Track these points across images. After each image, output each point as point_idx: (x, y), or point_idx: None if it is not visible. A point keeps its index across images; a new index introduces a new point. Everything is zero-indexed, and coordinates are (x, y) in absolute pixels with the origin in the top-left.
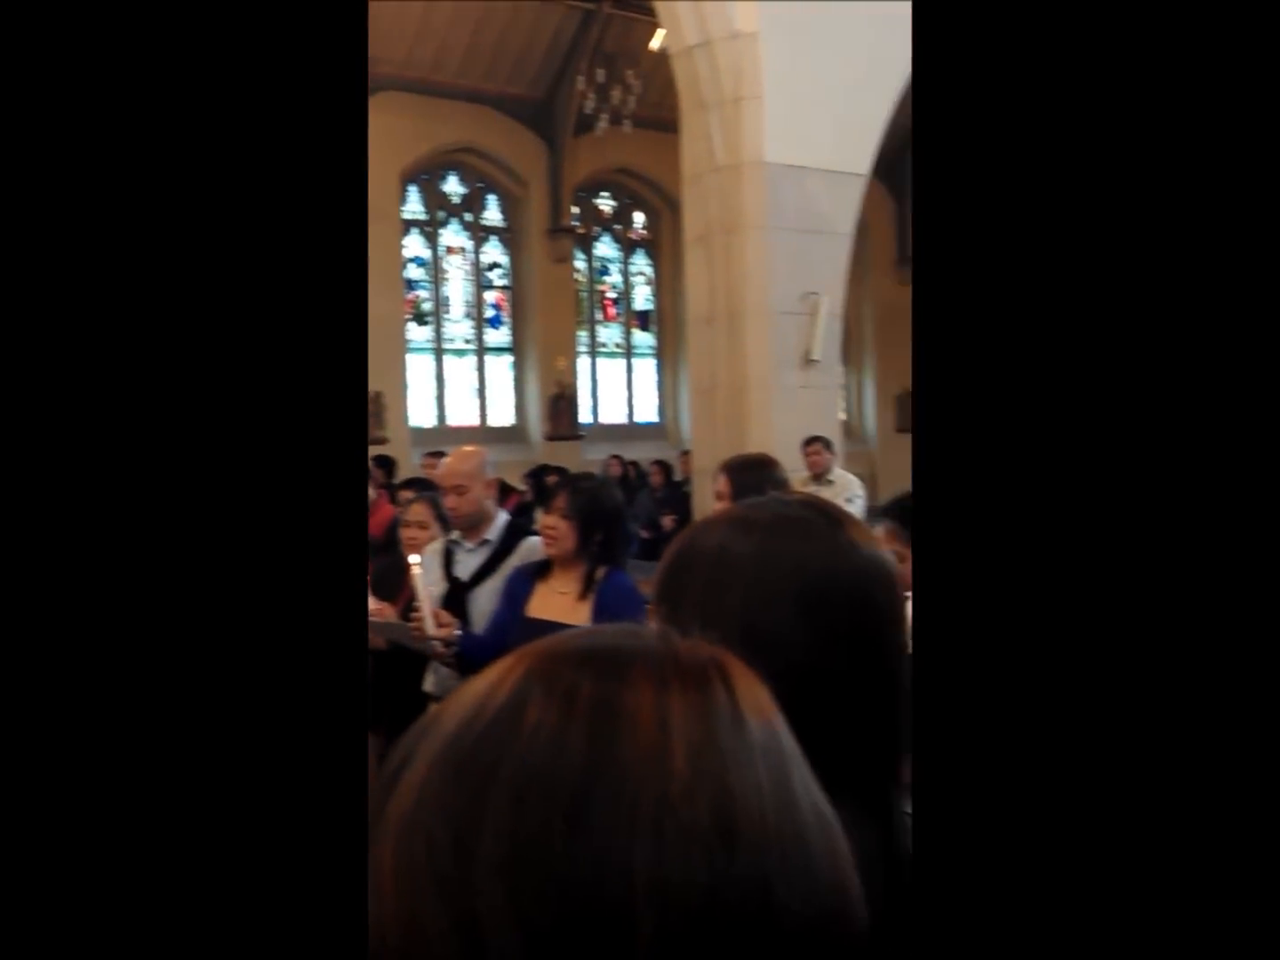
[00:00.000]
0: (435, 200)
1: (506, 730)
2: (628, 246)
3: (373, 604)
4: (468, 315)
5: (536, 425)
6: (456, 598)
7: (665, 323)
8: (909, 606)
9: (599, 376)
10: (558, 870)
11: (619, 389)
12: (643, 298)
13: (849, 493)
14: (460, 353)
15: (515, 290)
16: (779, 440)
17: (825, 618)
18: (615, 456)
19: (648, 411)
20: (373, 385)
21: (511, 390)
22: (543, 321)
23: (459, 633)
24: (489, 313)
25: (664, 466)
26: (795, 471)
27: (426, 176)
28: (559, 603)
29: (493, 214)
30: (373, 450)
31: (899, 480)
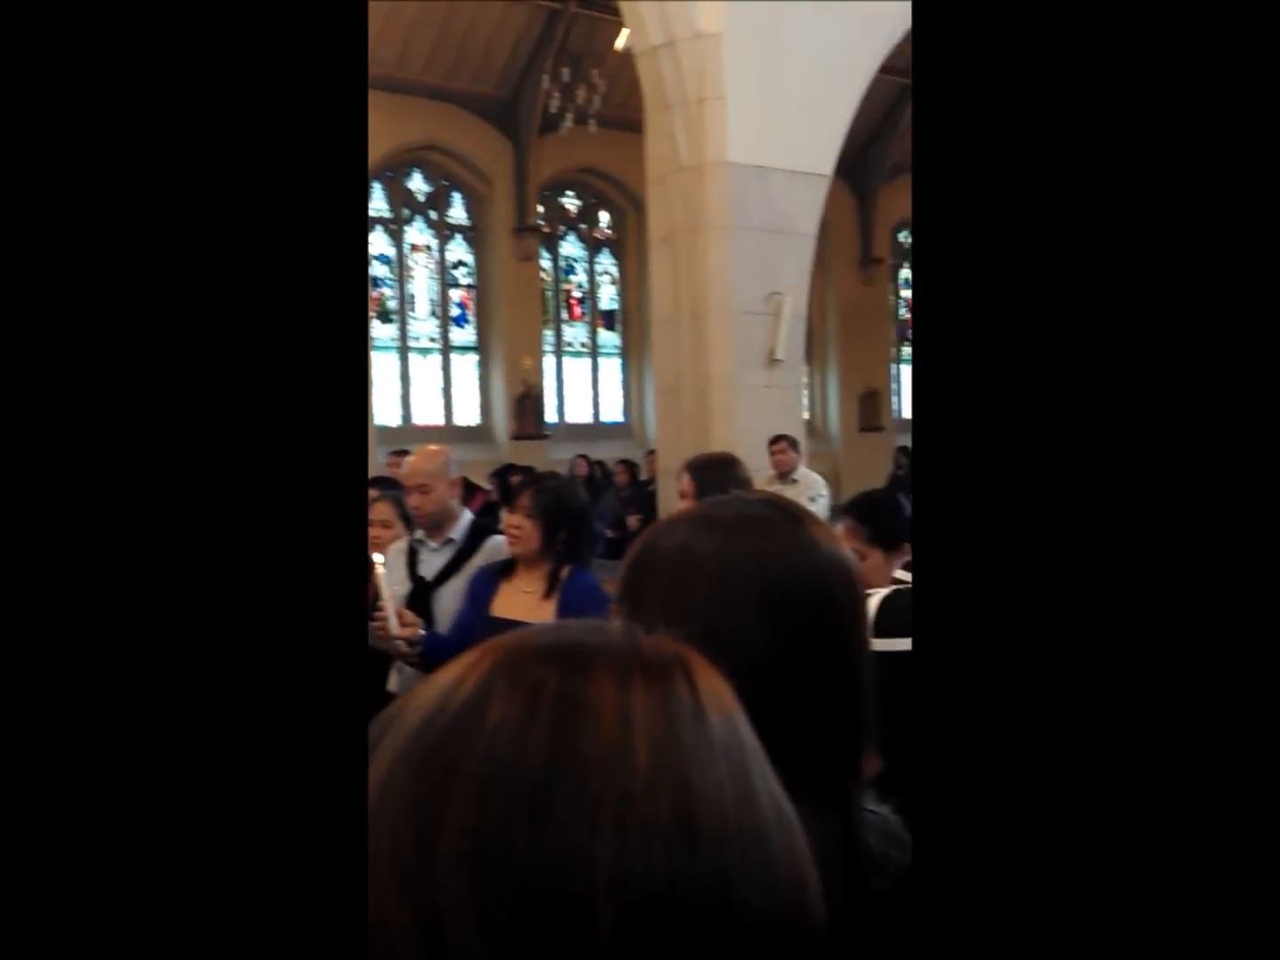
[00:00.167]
0: (400, 198)
1: (470, 724)
2: (593, 246)
3: None
4: (433, 313)
5: (502, 424)
6: (421, 597)
7: (630, 322)
8: (871, 603)
9: (564, 376)
10: (519, 865)
11: (584, 388)
12: (608, 297)
13: (813, 491)
14: (425, 351)
15: (480, 289)
16: (743, 439)
17: (787, 615)
18: (582, 456)
19: (613, 411)
20: None
21: (477, 389)
22: (508, 320)
23: (423, 632)
24: (454, 311)
25: (629, 466)
26: (759, 470)
27: (391, 174)
28: (523, 602)
29: (458, 212)
30: None
31: (862, 479)
